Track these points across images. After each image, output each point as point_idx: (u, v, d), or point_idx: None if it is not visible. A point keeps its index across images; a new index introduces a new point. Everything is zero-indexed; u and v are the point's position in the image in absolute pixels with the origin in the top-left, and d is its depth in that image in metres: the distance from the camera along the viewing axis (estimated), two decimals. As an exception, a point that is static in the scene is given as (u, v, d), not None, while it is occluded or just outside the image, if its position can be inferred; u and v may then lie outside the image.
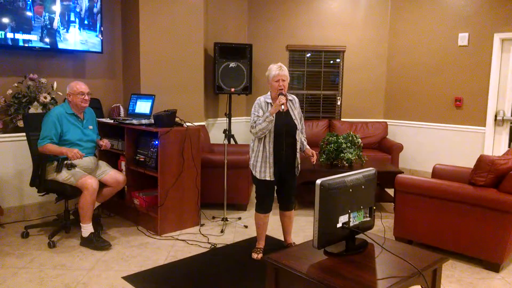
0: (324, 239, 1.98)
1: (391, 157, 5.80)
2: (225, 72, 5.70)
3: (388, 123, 6.57)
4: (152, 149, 4.04)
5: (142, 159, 4.11)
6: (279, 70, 3.22)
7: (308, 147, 3.45)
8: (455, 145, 5.92)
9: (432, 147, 6.15)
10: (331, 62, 6.81)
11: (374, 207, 2.23)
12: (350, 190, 2.05)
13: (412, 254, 2.11)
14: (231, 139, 5.88)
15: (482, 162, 3.36)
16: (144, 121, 4.11)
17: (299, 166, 3.39)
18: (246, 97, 6.49)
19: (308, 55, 6.75)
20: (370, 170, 2.22)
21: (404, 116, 6.49)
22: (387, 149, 6.02)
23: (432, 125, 6.17)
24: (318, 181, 1.95)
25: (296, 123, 3.30)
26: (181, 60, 5.03)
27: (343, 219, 2.04)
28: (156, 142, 3.94)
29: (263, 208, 3.39)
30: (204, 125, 5.34)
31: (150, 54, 4.77)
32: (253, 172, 3.32)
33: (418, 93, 6.30)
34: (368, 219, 2.19)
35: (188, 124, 4.15)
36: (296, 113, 3.34)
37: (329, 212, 1.99)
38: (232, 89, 5.74)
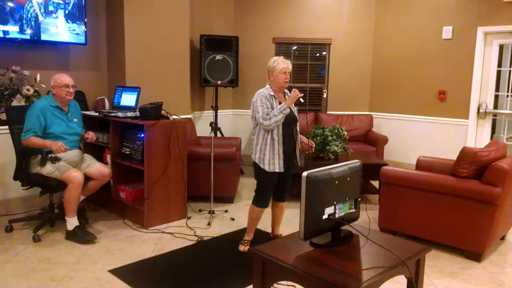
0: (310, 230, 2.00)
1: (376, 150, 5.88)
2: (211, 65, 5.68)
3: (373, 115, 6.64)
4: (137, 142, 4.02)
5: (127, 152, 4.09)
6: (287, 63, 3.24)
7: (304, 137, 3.49)
8: (438, 137, 6.01)
9: (416, 140, 6.23)
10: (317, 55, 6.82)
11: (360, 199, 2.25)
12: (336, 182, 2.07)
13: (396, 244, 2.15)
14: (218, 132, 5.88)
15: (465, 154, 3.42)
16: (129, 114, 4.08)
17: (302, 155, 3.40)
18: (232, 90, 6.48)
19: (295, 47, 6.75)
20: (355, 162, 2.25)
21: (389, 108, 6.55)
22: (372, 141, 6.08)
23: (416, 118, 6.24)
24: (305, 173, 1.96)
25: (296, 115, 3.35)
26: (167, 52, 4.99)
27: (328, 210, 2.06)
28: (142, 135, 3.92)
29: (264, 201, 3.37)
30: (190, 118, 5.32)
31: (135, 46, 4.72)
32: (261, 166, 3.27)
33: (403, 86, 6.37)
34: (353, 210, 2.22)
35: (174, 116, 4.13)
36: (293, 106, 3.37)
37: (315, 204, 2.01)
38: (219, 82, 5.72)
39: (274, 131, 3.23)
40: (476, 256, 3.39)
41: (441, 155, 5.59)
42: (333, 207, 2.07)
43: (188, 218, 4.23)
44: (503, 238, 3.84)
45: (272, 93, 3.28)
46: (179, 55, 5.14)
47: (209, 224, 4.07)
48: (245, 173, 6.11)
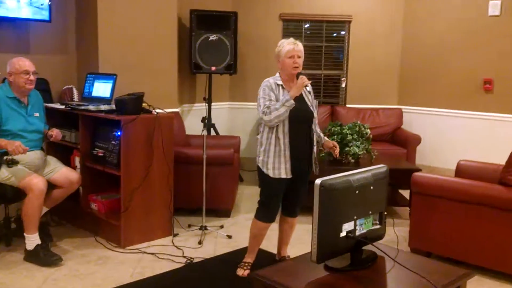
0: (324, 251, 2.00)
1: (406, 152, 5.89)
2: (204, 47, 5.69)
3: (403, 110, 6.64)
4: (113, 142, 4.02)
5: (100, 154, 4.09)
6: (293, 44, 3.23)
7: (327, 138, 3.49)
8: (484, 136, 5.99)
9: (456, 140, 6.22)
10: (334, 35, 6.82)
11: (386, 213, 2.25)
12: (357, 191, 2.07)
13: (430, 268, 2.14)
14: (212, 129, 5.88)
15: (516, 157, 3.41)
16: (103, 107, 4.08)
17: (317, 162, 3.41)
18: (230, 78, 6.49)
19: (307, 26, 6.75)
20: (381, 168, 2.25)
21: (423, 101, 6.55)
22: (402, 141, 6.09)
23: (456, 113, 6.23)
24: (318, 181, 1.96)
25: (312, 110, 3.33)
26: (149, 31, 5.00)
27: (347, 227, 2.06)
28: (118, 133, 3.92)
29: (269, 215, 3.37)
30: (178, 112, 5.33)
31: (111, 24, 4.73)
32: (264, 170, 3.28)
33: (440, 74, 6.36)
34: (378, 227, 2.22)
35: (158, 110, 4.13)
36: (310, 99, 3.36)
37: (331, 218, 2.00)
38: (213, 68, 5.73)
39: (279, 128, 3.22)
40: (529, 283, 3.38)
41: (486, 158, 5.57)
42: (352, 222, 2.08)
43: (175, 235, 4.23)
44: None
45: (279, 82, 3.28)
46: (165, 35, 5.15)
47: (200, 242, 4.08)
48: (245, 180, 6.12)
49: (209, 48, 5.70)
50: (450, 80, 6.28)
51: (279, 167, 3.25)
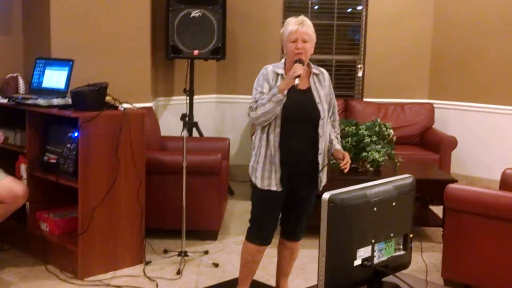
0: (334, 283, 1.99)
1: (439, 158, 5.94)
2: (184, 26, 5.71)
3: (435, 105, 6.69)
4: (69, 145, 4.03)
5: (53, 161, 4.10)
6: (298, 24, 3.25)
7: (339, 147, 3.47)
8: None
9: (501, 143, 6.27)
10: (349, 11, 6.87)
11: (412, 235, 2.26)
12: (375, 209, 2.07)
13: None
14: (194, 129, 5.91)
15: None
16: (56, 101, 4.09)
17: (323, 174, 3.41)
18: (217, 64, 6.53)
19: (314, 0, 6.80)
20: (405, 178, 2.25)
21: (460, 95, 6.60)
22: (433, 145, 6.14)
23: (501, 109, 6.29)
24: (326, 195, 1.96)
25: (320, 108, 3.31)
26: (115, 7, 5.03)
27: (363, 253, 2.06)
28: (76, 134, 3.93)
29: (261, 236, 3.40)
30: (151, 108, 5.36)
31: None
32: (252, 179, 3.35)
33: (481, 61, 6.41)
34: (402, 253, 2.23)
35: (126, 105, 4.15)
36: (323, 95, 3.36)
37: (343, 242, 2.01)
38: (195, 52, 5.76)
39: (269, 128, 3.26)
40: None
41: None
42: (370, 247, 2.09)
43: (147, 263, 4.25)
44: None
45: (280, 71, 3.30)
46: (134, 10, 5.17)
47: (179, 272, 4.09)
48: (236, 193, 6.16)
49: (191, 27, 5.73)
50: (492, 69, 6.33)
51: (269, 177, 3.28)
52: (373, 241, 2.10)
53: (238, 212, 5.55)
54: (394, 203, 2.16)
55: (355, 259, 2.05)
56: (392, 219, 2.17)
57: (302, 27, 3.24)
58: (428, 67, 6.84)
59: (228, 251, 4.56)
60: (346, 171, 3.37)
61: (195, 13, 5.72)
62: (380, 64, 6.80)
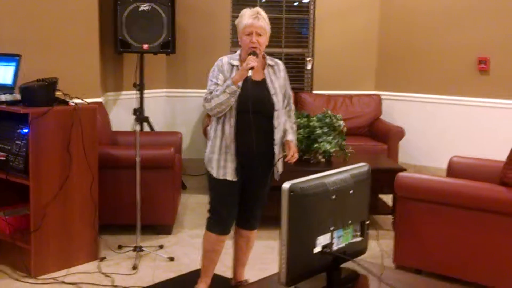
0: (296, 271, 2.03)
1: (387, 147, 6.08)
2: (133, 19, 5.68)
3: (382, 96, 6.84)
4: (18, 142, 3.98)
5: (2, 158, 4.04)
6: (253, 18, 3.29)
7: (291, 137, 3.51)
8: (480, 127, 6.24)
9: (447, 132, 6.46)
10: (296, 4, 6.93)
11: (368, 222, 2.33)
12: (333, 197, 2.12)
13: (420, 285, 2.23)
14: (144, 123, 5.88)
15: (518, 152, 3.59)
16: (4, 97, 4.02)
17: (278, 164, 3.47)
18: (166, 58, 6.51)
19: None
20: (362, 167, 2.31)
21: (406, 86, 6.77)
22: (381, 135, 6.29)
23: (446, 99, 6.47)
24: (286, 185, 1.99)
25: (275, 99, 3.37)
26: (62, 1, 5.00)
27: (323, 240, 2.11)
28: (26, 131, 3.90)
29: (220, 224, 3.47)
30: (101, 103, 5.32)
31: None
32: (208, 169, 3.41)
33: (426, 53, 6.58)
34: (359, 239, 2.29)
35: (76, 101, 4.11)
36: (278, 86, 3.41)
37: (303, 231, 2.05)
38: (145, 46, 5.74)
39: (225, 119, 3.31)
40: (536, 302, 3.57)
41: (484, 154, 5.79)
42: (329, 234, 2.13)
43: (102, 259, 4.25)
44: None
45: (235, 63, 3.35)
46: (82, 4, 5.15)
47: (135, 267, 4.10)
48: (189, 187, 6.17)
49: (140, 20, 5.70)
50: (438, 60, 6.50)
51: (224, 166, 3.34)
52: (332, 228, 2.14)
53: (192, 206, 5.56)
54: (351, 191, 2.21)
55: (315, 246, 2.09)
56: (350, 206, 2.23)
57: (257, 21, 3.28)
58: (375, 59, 6.99)
59: (183, 245, 4.58)
60: (292, 162, 3.45)
61: (144, 6, 5.69)
62: (329, 57, 6.90)
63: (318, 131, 4.92)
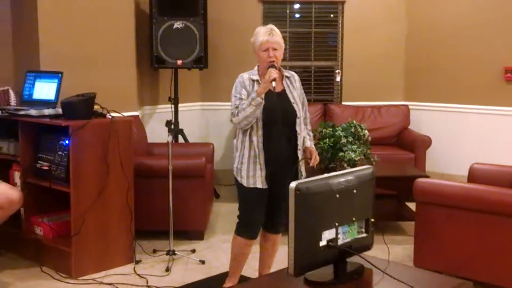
0: (303, 262, 2.23)
1: (415, 156, 6.17)
2: (167, 37, 5.90)
3: (410, 107, 6.94)
4: (60, 153, 4.20)
5: (45, 168, 4.26)
6: (268, 35, 3.50)
7: (310, 144, 3.74)
8: (506, 136, 6.28)
9: (473, 141, 6.52)
10: (327, 18, 7.10)
11: (373, 220, 2.50)
12: (338, 196, 2.32)
13: (424, 280, 2.41)
14: (179, 135, 6.09)
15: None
16: (47, 111, 4.24)
17: (302, 169, 3.67)
18: (200, 73, 6.71)
19: (293, 8, 7.03)
20: (366, 169, 2.50)
21: (434, 96, 6.85)
22: (409, 144, 6.38)
23: (473, 108, 6.54)
24: (293, 184, 2.21)
25: (296, 108, 3.59)
26: (101, 19, 5.19)
27: (328, 235, 2.30)
28: (67, 142, 4.11)
29: (248, 230, 3.65)
30: (138, 116, 5.53)
31: (54, 12, 4.88)
32: (238, 179, 3.60)
33: (453, 64, 6.66)
34: (364, 235, 2.47)
35: (114, 114, 4.33)
36: (296, 95, 3.64)
37: (309, 226, 2.24)
38: (179, 62, 5.95)
39: (252, 131, 3.51)
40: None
41: (509, 161, 5.86)
42: (334, 230, 2.32)
43: (137, 262, 4.44)
44: None
45: (255, 78, 3.56)
46: (119, 23, 5.35)
47: (168, 270, 4.29)
48: (222, 196, 6.34)
49: (174, 38, 5.91)
50: (464, 70, 6.58)
51: (254, 175, 3.53)
52: (336, 224, 2.34)
53: (224, 214, 5.74)
54: (355, 191, 2.40)
55: (321, 240, 2.29)
56: (354, 205, 2.41)
57: (272, 37, 3.49)
58: (403, 70, 7.10)
59: (214, 249, 4.75)
60: (314, 166, 3.65)
61: (178, 24, 5.91)
62: (357, 69, 7.03)
63: (343, 140, 5.07)
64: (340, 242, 2.35)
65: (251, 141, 3.53)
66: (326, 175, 2.36)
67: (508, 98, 6.30)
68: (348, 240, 2.40)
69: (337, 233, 2.34)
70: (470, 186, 3.96)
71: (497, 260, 3.77)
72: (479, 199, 3.82)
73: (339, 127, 5.18)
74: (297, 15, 7.16)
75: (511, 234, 3.71)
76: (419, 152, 6.21)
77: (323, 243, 2.29)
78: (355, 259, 2.46)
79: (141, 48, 5.93)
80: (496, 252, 3.78)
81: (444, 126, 6.75)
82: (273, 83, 3.39)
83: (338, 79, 7.11)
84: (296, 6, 7.09)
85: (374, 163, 5.18)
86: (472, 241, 3.86)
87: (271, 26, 3.57)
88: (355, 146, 5.09)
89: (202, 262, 4.46)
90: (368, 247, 2.51)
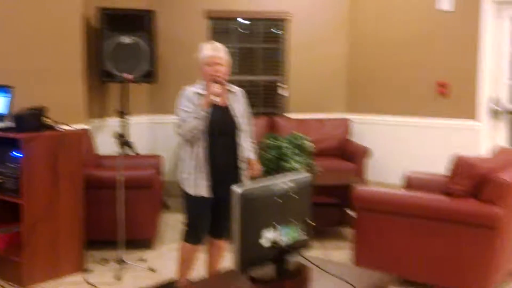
0: (247, 260, 2.44)
1: (355, 166, 6.47)
2: (116, 51, 6.05)
3: (351, 119, 7.28)
4: (10, 164, 4.27)
5: (-3, 180, 4.33)
6: (213, 50, 3.72)
7: (252, 155, 3.94)
8: (441, 146, 6.65)
9: (410, 151, 6.86)
10: (272, 34, 7.37)
11: (311, 221, 2.73)
12: (278, 199, 2.54)
13: (358, 276, 2.64)
14: (128, 147, 6.17)
15: (459, 166, 4.03)
16: (-2, 125, 4.33)
17: (244, 179, 3.86)
18: (149, 87, 6.86)
19: (240, 25, 7.26)
20: (303, 175, 2.73)
21: (373, 109, 7.22)
22: (350, 155, 6.69)
23: (409, 121, 6.91)
24: (238, 189, 2.42)
25: (239, 122, 3.81)
26: (49, 35, 5.27)
27: (270, 235, 2.52)
28: (17, 154, 4.19)
29: (195, 236, 3.83)
30: (87, 129, 5.62)
31: (2, 27, 4.95)
32: (184, 188, 3.78)
33: (391, 78, 7.05)
34: (303, 236, 2.70)
35: (64, 127, 4.45)
36: (240, 110, 3.85)
37: (252, 227, 2.46)
38: (128, 76, 6.08)
39: (198, 142, 3.70)
40: (480, 298, 3.97)
41: (442, 170, 6.21)
42: (275, 231, 2.54)
43: (88, 271, 4.55)
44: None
45: (200, 91, 3.74)
46: (68, 38, 5.44)
47: (118, 278, 4.42)
48: (171, 207, 6.48)
49: (123, 52, 6.07)
50: (401, 85, 6.97)
51: (199, 184, 3.73)
52: (277, 225, 2.56)
53: (173, 224, 5.85)
54: (294, 195, 2.63)
55: (263, 240, 2.51)
56: (293, 208, 2.64)
57: (217, 52, 3.71)
58: (345, 84, 7.44)
59: (163, 258, 4.89)
60: (255, 176, 3.86)
61: (127, 40, 6.07)
62: (302, 83, 7.32)
63: (287, 151, 5.31)
64: (280, 242, 2.57)
65: (196, 152, 3.72)
66: (267, 181, 2.58)
67: (440, 110, 6.68)
68: (288, 240, 2.62)
69: (278, 234, 2.56)
70: (403, 193, 4.25)
71: (428, 261, 4.05)
72: (411, 204, 4.12)
73: (284, 139, 5.41)
74: (243, 31, 7.39)
75: (441, 236, 4.01)
76: (360, 162, 6.52)
77: (265, 242, 2.51)
78: (296, 258, 2.69)
79: (90, 63, 6.04)
80: (426, 253, 4.06)
81: (383, 137, 7.09)
82: (215, 98, 3.59)
83: (283, 92, 7.36)
84: (243, 22, 7.31)
85: (317, 172, 5.44)
86: (405, 244, 4.14)
87: (215, 43, 3.79)
88: (299, 157, 5.33)
89: (152, 270, 4.60)
90: (306, 247, 2.74)
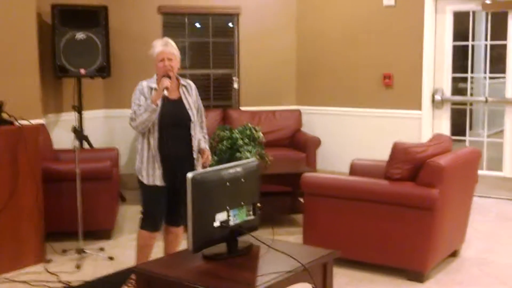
0: (200, 240, 2.71)
1: (306, 156, 6.78)
2: (70, 47, 6.20)
3: (302, 110, 7.60)
4: (-30, 159, 4.41)
5: (-45, 174, 4.44)
6: (163, 46, 3.94)
7: (205, 146, 4.18)
8: (387, 135, 7.01)
9: (358, 140, 7.24)
10: (224, 29, 7.63)
11: (259, 204, 3.02)
12: (228, 184, 2.82)
13: (302, 251, 2.95)
14: (84, 141, 6.36)
15: (396, 151, 4.37)
16: (-45, 120, 4.45)
17: (198, 168, 4.09)
18: (103, 82, 7.00)
19: (191, 20, 7.49)
20: (251, 162, 3.02)
21: (323, 100, 7.56)
22: (301, 145, 7.00)
23: (357, 111, 7.28)
24: (190, 174, 2.69)
25: (191, 113, 4.03)
26: (3, 30, 5.37)
27: (221, 217, 2.80)
28: (-23, 149, 4.35)
29: (151, 223, 4.05)
30: (43, 124, 5.73)
31: None
32: (139, 178, 4.01)
33: (339, 70, 7.39)
34: (252, 217, 2.98)
35: (21, 122, 4.61)
36: (191, 102, 4.08)
37: (205, 209, 2.73)
38: (82, 70, 6.24)
39: (150, 134, 3.94)
40: (418, 276, 4.32)
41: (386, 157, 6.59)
42: (225, 213, 2.82)
43: (49, 261, 4.74)
44: (455, 254, 4.83)
45: (153, 85, 3.98)
46: (21, 34, 5.55)
47: (78, 267, 4.61)
48: (128, 199, 6.67)
49: (77, 48, 6.21)
50: (349, 76, 7.33)
51: (153, 174, 3.96)
52: (228, 207, 2.83)
53: (130, 215, 6.05)
54: (242, 180, 2.91)
55: (215, 221, 2.78)
56: (242, 191, 2.92)
57: (166, 48, 3.95)
58: (294, 77, 7.76)
59: (122, 247, 5.10)
60: (206, 166, 4.09)
61: (80, 35, 6.22)
62: (253, 76, 7.60)
63: (240, 142, 5.58)
64: (231, 223, 2.86)
65: (149, 143, 3.95)
66: (217, 167, 2.85)
67: (386, 101, 7.07)
68: (238, 221, 2.90)
69: (228, 215, 2.84)
70: (346, 178, 4.57)
71: (371, 241, 4.38)
72: (353, 188, 4.46)
73: (236, 130, 5.68)
74: (195, 26, 7.61)
75: (382, 218, 4.33)
76: (310, 151, 6.83)
77: (216, 224, 2.79)
78: (245, 238, 2.98)
79: (44, 58, 6.14)
80: (369, 234, 4.38)
81: (332, 128, 7.44)
82: (165, 91, 3.81)
83: (235, 85, 7.62)
84: (192, 19, 7.54)
85: (268, 162, 5.72)
86: (349, 226, 4.46)
87: (166, 38, 4.03)
88: (251, 147, 5.61)
89: (111, 258, 4.80)
90: (255, 228, 3.03)
